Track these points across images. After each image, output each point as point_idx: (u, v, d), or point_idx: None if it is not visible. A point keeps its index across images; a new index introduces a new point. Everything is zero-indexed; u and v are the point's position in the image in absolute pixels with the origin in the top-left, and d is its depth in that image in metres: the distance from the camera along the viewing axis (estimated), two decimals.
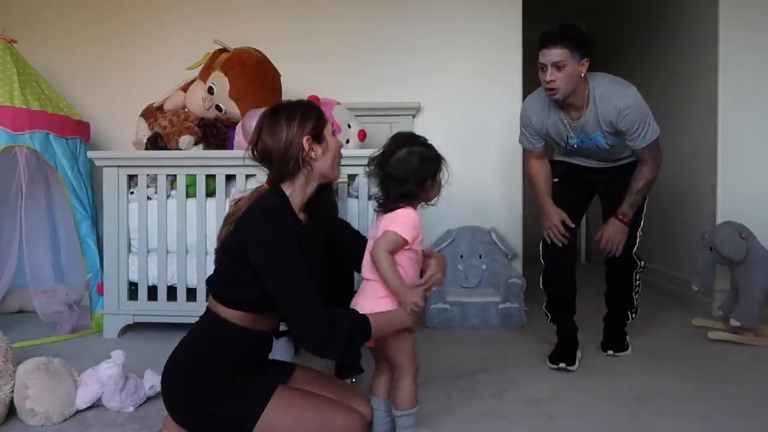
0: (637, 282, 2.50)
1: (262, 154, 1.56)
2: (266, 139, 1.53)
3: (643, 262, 2.48)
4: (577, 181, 2.48)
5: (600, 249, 2.40)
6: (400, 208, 1.53)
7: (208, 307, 1.58)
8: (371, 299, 1.53)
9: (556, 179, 2.47)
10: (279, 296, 1.42)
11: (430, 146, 1.57)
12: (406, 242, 1.50)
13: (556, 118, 2.31)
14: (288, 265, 1.42)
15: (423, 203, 1.59)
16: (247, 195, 1.60)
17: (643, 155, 2.28)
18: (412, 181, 1.52)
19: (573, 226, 2.36)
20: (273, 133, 1.52)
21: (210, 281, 1.59)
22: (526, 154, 2.59)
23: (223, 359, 1.50)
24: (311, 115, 1.55)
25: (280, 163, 1.52)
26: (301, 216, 1.58)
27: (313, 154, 1.53)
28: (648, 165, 2.29)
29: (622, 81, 2.25)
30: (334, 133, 1.63)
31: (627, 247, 2.38)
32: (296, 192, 1.55)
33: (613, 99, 2.17)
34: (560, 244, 2.35)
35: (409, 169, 1.51)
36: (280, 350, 2.20)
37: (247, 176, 2.68)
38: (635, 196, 2.31)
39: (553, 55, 2.13)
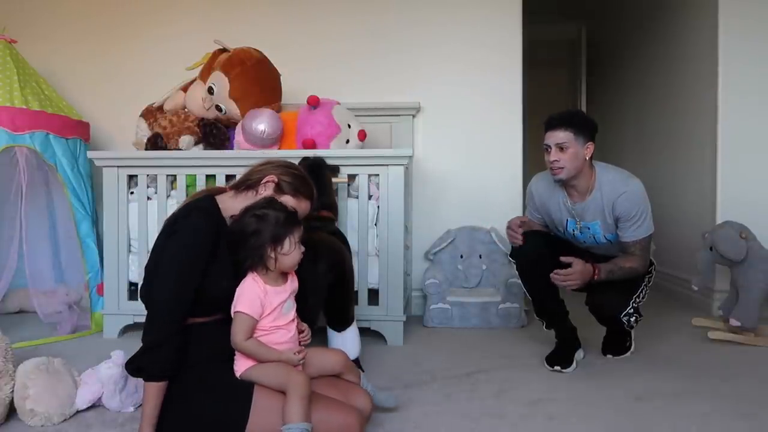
0: (642, 294, 2.39)
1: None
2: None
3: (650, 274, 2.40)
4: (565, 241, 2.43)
5: (552, 274, 2.17)
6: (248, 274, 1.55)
7: None
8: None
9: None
10: (158, 282, 1.50)
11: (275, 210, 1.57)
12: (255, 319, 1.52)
13: (559, 200, 2.33)
14: (180, 271, 1.49)
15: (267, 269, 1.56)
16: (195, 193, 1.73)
17: (633, 249, 2.22)
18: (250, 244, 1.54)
19: (526, 221, 2.38)
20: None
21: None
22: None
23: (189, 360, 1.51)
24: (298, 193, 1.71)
25: (246, 175, 1.72)
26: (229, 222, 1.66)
27: (263, 189, 1.68)
28: (636, 261, 2.23)
29: (630, 173, 2.27)
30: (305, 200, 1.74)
31: (617, 306, 2.32)
32: (237, 204, 1.65)
33: (619, 183, 2.20)
34: (519, 243, 2.34)
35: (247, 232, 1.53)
36: (350, 343, 2.19)
37: None
38: (616, 268, 2.22)
39: (556, 137, 2.18)
